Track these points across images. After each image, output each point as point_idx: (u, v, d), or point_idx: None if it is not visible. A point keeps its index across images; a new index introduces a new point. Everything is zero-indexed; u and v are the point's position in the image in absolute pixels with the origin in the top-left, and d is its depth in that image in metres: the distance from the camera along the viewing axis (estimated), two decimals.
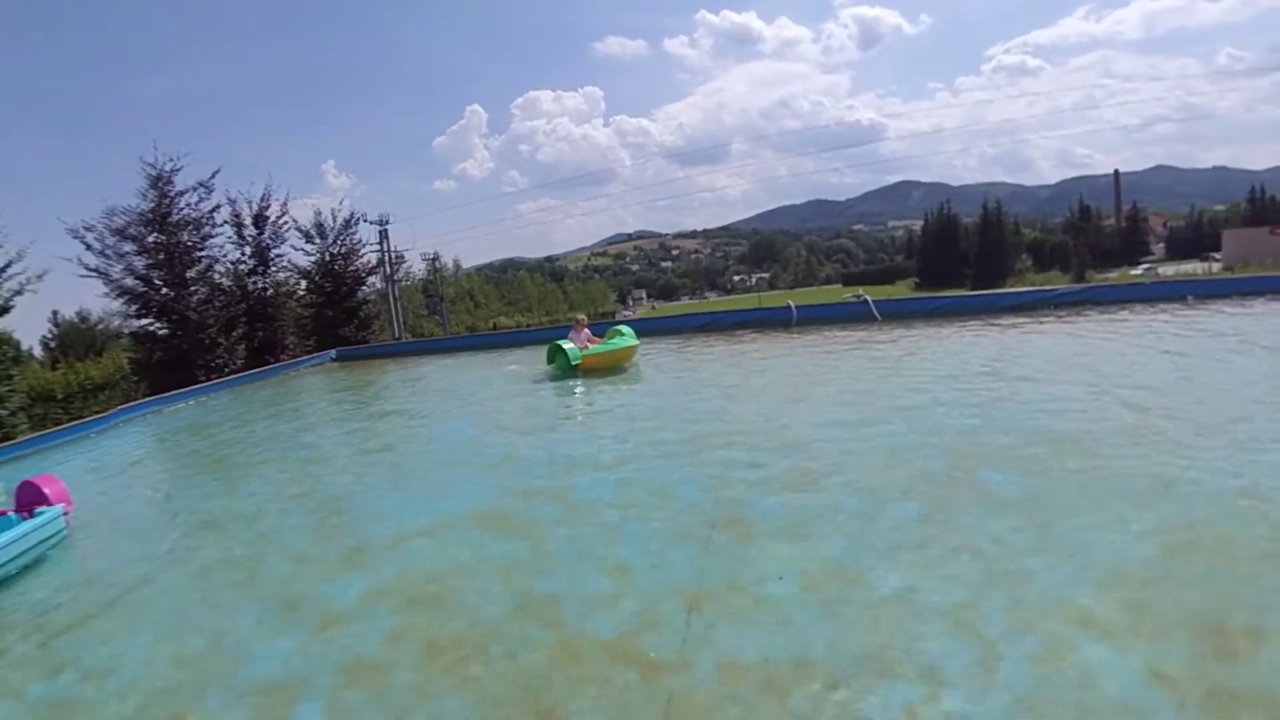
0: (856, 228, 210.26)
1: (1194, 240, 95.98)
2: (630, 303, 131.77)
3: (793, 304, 14.64)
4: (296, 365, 16.83)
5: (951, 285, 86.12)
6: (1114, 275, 73.22)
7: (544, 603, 3.59)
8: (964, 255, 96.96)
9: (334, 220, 24.56)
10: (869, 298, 14.45)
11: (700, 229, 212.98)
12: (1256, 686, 2.66)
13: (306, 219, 24.60)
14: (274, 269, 22.55)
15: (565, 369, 10.78)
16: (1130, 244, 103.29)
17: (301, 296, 24.32)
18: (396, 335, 36.91)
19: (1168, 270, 73.78)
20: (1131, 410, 6.04)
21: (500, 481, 5.73)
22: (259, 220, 22.06)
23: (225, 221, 21.46)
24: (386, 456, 7.26)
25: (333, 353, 18.21)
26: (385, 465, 6.88)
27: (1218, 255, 72.37)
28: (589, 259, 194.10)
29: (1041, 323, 11.37)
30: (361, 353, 18.86)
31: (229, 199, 21.70)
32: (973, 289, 78.02)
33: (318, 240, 24.23)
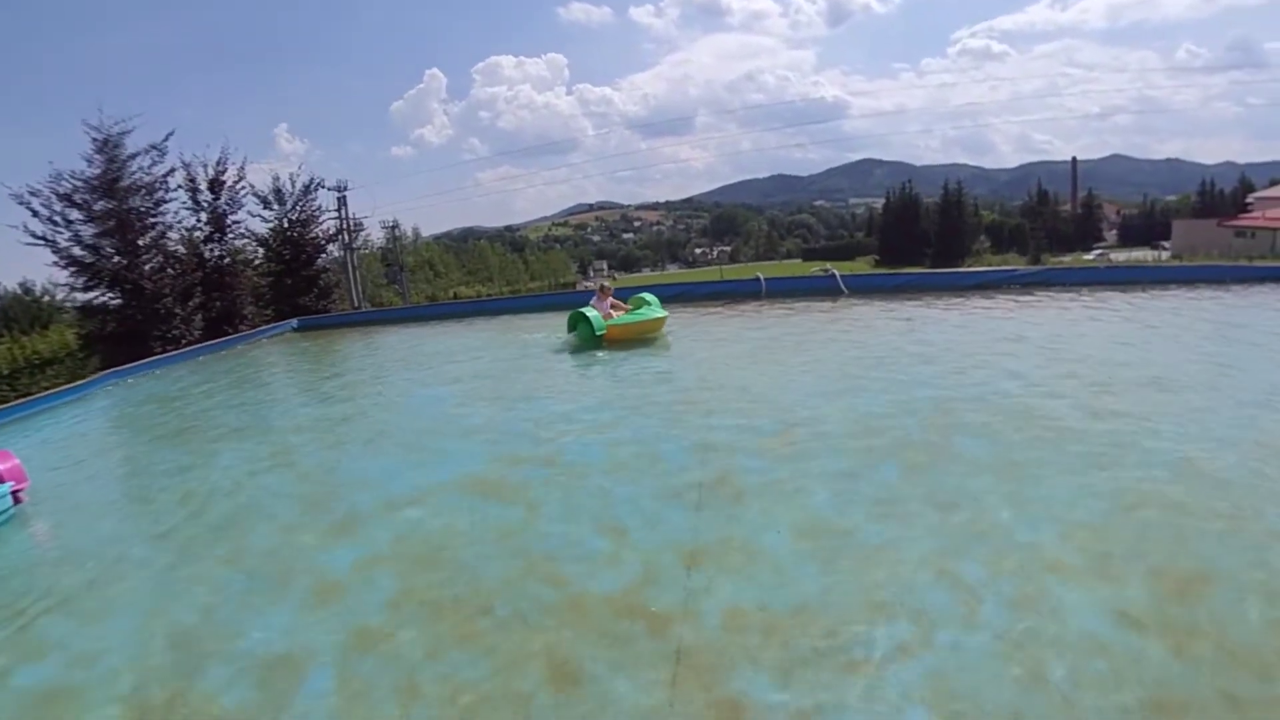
0: (818, 203, 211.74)
1: (1146, 228, 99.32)
2: (591, 274, 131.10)
3: (762, 276, 14.85)
4: (257, 335, 16.52)
5: (911, 263, 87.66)
6: (1068, 259, 75.48)
7: (545, 563, 3.69)
8: (924, 234, 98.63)
9: (292, 186, 23.99)
10: (836, 272, 14.76)
11: (662, 201, 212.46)
12: (1206, 622, 2.97)
13: (264, 184, 23.96)
14: (231, 236, 21.89)
15: (588, 340, 10.07)
16: (1085, 229, 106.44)
17: (259, 265, 23.78)
18: (356, 304, 36.32)
19: (1119, 256, 76.38)
20: (1090, 382, 6.41)
21: (483, 448, 5.79)
22: (215, 185, 21.29)
23: (179, 187, 20.69)
24: (362, 425, 7.22)
25: (294, 322, 17.91)
26: (363, 434, 6.85)
27: (1167, 244, 74.99)
28: (550, 229, 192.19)
29: (1001, 301, 11.79)
30: (323, 322, 18.56)
31: (183, 163, 20.89)
32: (932, 268, 79.63)
33: (276, 207, 23.64)
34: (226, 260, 21.63)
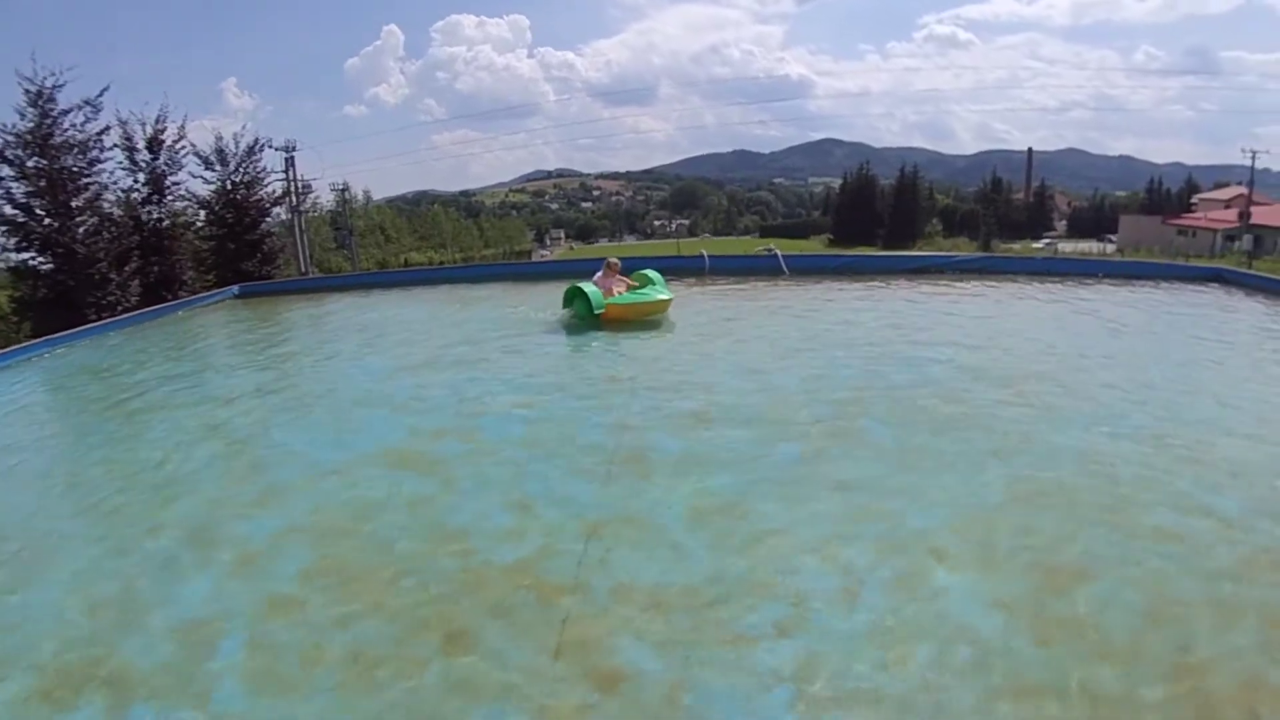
0: (777, 181, 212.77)
1: (1095, 221, 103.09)
2: (548, 242, 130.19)
3: (705, 253, 15.01)
4: (195, 303, 16.18)
5: (864, 244, 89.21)
6: (1017, 246, 77.91)
7: (454, 536, 3.92)
8: (878, 216, 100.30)
9: (236, 146, 23.35)
10: (778, 251, 15.01)
11: (623, 171, 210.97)
12: (1075, 616, 3.16)
13: (207, 144, 23.24)
14: (170, 198, 21.22)
15: (585, 317, 9.46)
16: (1036, 219, 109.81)
17: (200, 228, 23.17)
18: (303, 270, 35.65)
19: (1066, 247, 79.04)
20: (1005, 372, 6.79)
21: (408, 421, 5.98)
22: (153, 144, 20.57)
23: (116, 145, 19.92)
24: (294, 396, 7.33)
25: (235, 289, 17.59)
26: (294, 405, 6.96)
27: (1114, 237, 77.88)
28: (507, 195, 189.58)
29: (940, 287, 12.25)
30: (266, 289, 18.20)
31: (119, 120, 20.07)
32: (884, 249, 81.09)
33: (218, 168, 22.98)
34: (165, 223, 21.00)
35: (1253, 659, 2.88)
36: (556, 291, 10.43)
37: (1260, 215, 59.28)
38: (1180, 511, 4.10)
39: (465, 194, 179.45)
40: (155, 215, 20.92)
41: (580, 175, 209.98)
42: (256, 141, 23.84)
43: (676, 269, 15.52)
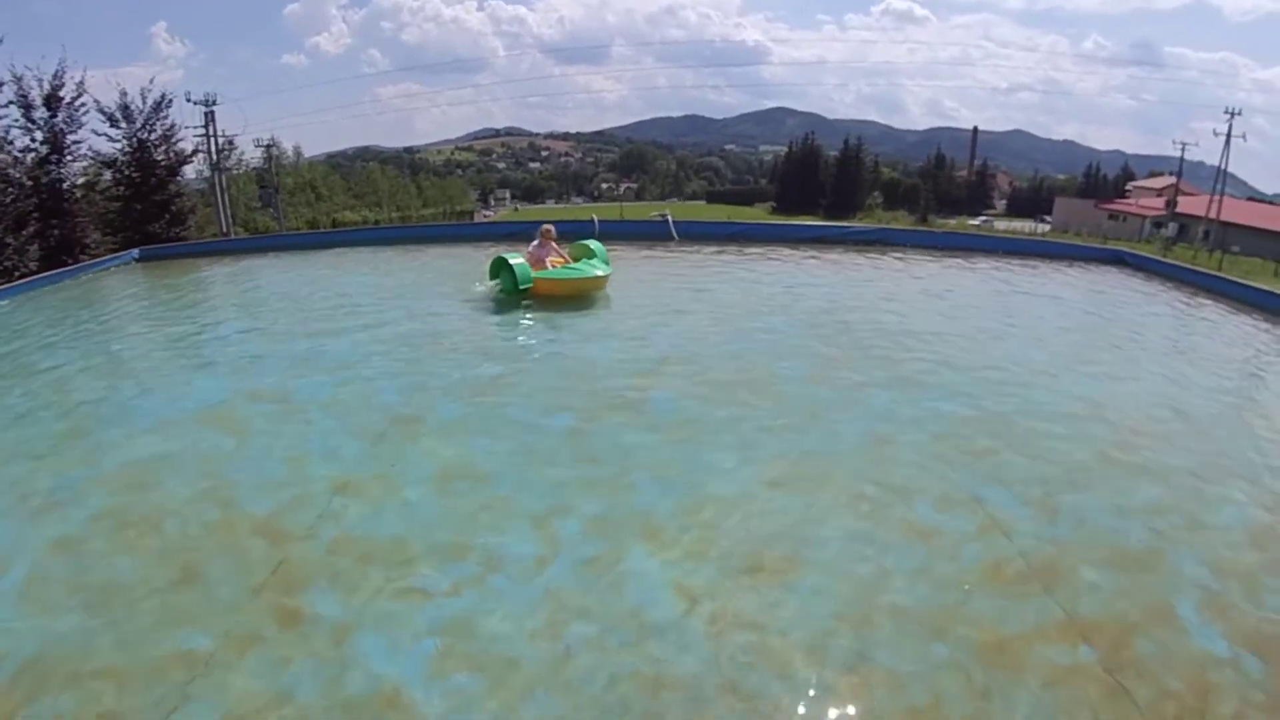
0: (729, 147, 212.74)
1: (1033, 201, 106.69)
2: (493, 203, 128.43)
3: (596, 218, 15.07)
4: (92, 268, 16.02)
5: (806, 213, 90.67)
6: (953, 222, 79.91)
7: (229, 484, 4.45)
8: (821, 186, 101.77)
9: (143, 101, 22.95)
10: (670, 217, 15.18)
11: (573, 131, 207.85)
12: (751, 608, 3.29)
13: (112, 100, 22.68)
14: (70, 157, 20.78)
15: (510, 291, 8.87)
16: (976, 196, 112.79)
17: (107, 188, 22.80)
18: (224, 230, 35.09)
19: (1002, 225, 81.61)
20: (830, 346, 7.09)
21: (236, 383, 6.43)
22: (51, 102, 20.03)
23: (11, 102, 19.50)
24: (146, 363, 7.59)
25: (135, 252, 17.43)
26: (140, 371, 7.26)
27: (1049, 218, 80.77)
28: (453, 153, 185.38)
29: (826, 257, 12.88)
30: (169, 251, 17.99)
31: (13, 75, 19.52)
32: (825, 218, 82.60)
33: (124, 124, 22.63)
34: (66, 184, 20.65)
35: (930, 680, 2.95)
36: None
37: (1186, 204, 62.61)
38: (945, 505, 4.23)
39: (409, 150, 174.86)
40: (55, 175, 20.43)
41: (529, 134, 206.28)
42: (164, 96, 23.42)
43: (568, 235, 15.65)
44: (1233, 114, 55.85)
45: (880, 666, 3.01)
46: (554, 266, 9.38)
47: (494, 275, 9.50)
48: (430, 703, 2.74)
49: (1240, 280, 12.03)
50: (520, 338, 7.58)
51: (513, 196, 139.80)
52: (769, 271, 11.74)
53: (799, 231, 16.30)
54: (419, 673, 2.90)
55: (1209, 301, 10.61)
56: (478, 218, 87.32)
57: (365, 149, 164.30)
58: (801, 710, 2.83)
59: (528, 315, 8.38)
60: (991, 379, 6.55)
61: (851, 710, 2.85)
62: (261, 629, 3.25)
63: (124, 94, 22.54)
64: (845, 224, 19.14)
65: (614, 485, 4.35)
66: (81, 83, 20.67)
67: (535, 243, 9.73)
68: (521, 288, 8.68)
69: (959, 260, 13.24)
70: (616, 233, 14.78)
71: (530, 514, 4.02)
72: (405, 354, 6.95)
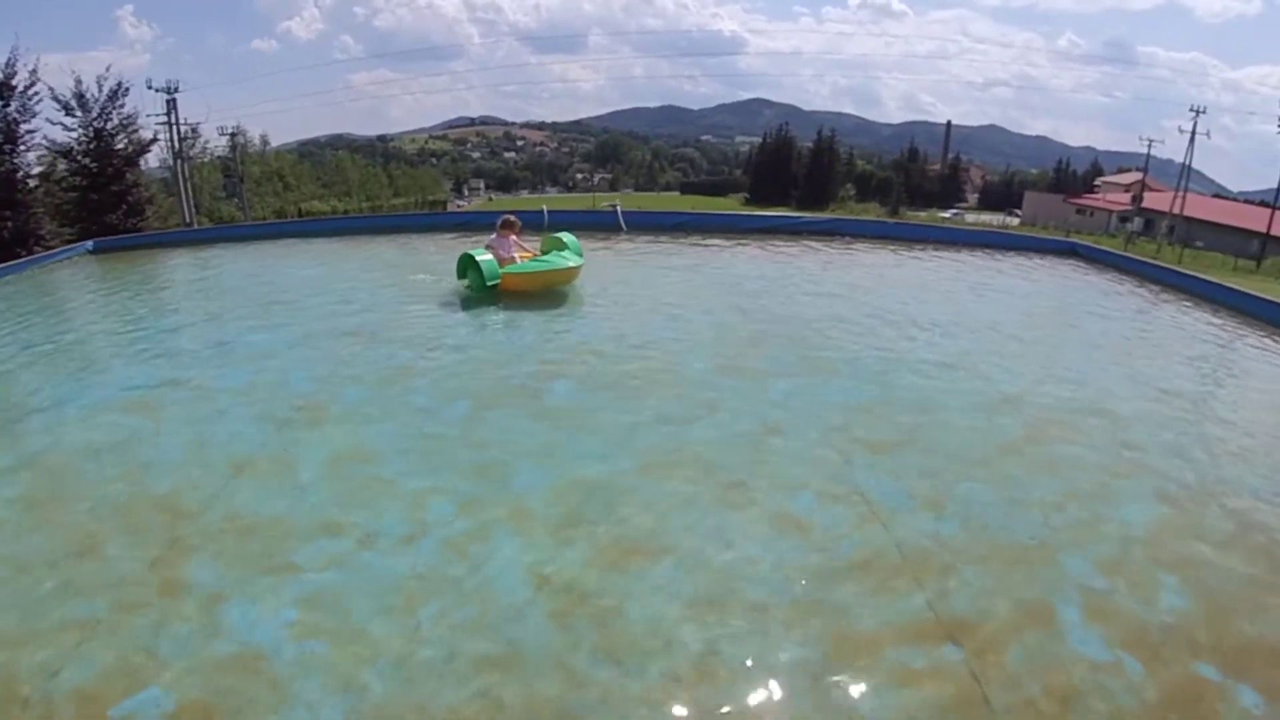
0: (705, 138, 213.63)
1: (1004, 195, 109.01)
2: (466, 193, 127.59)
3: (546, 209, 14.88)
4: (43, 260, 15.67)
5: (779, 204, 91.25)
6: (924, 215, 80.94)
7: (139, 467, 4.67)
8: (794, 177, 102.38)
9: (100, 90, 22.80)
10: (619, 207, 15.24)
11: (549, 121, 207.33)
12: (602, 593, 3.34)
13: (68, 88, 22.45)
14: (24, 147, 20.73)
15: (480, 289, 8.52)
16: (949, 190, 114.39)
17: (63, 179, 22.65)
18: (187, 220, 34.83)
19: (972, 218, 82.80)
20: (748, 336, 7.20)
21: (162, 373, 6.59)
22: (3, 90, 19.93)
23: None
24: (80, 352, 7.72)
25: (88, 244, 17.31)
26: (75, 363, 7.34)
27: (1019, 212, 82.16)
28: (427, 141, 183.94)
29: (767, 248, 12.93)
30: (124, 243, 17.62)
31: None
32: (798, 210, 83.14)
33: (79, 114, 22.50)
34: (20, 174, 20.54)
35: (772, 675, 2.98)
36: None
37: (1152, 200, 64.51)
38: (826, 497, 4.24)
39: (383, 139, 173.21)
40: (9, 166, 20.34)
41: (505, 123, 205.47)
42: (120, 85, 23.34)
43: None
44: (1198, 112, 57.28)
45: (725, 659, 3.02)
46: (521, 260, 9.00)
47: (461, 274, 9.11)
48: (283, 667, 2.97)
49: (1189, 273, 12.27)
50: (441, 327, 7.65)
51: (487, 186, 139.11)
52: (708, 262, 11.89)
53: (749, 222, 16.32)
54: (277, 640, 3.12)
55: (1156, 293, 10.75)
56: (451, 208, 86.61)
57: (339, 137, 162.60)
58: (634, 699, 2.84)
59: (455, 305, 8.49)
60: (910, 368, 6.61)
61: (686, 703, 2.84)
62: (148, 598, 3.48)
63: (79, 82, 22.51)
64: (797, 214, 18.95)
65: (493, 470, 4.49)
66: (34, 70, 20.56)
67: (493, 235, 9.27)
68: (490, 284, 8.38)
69: (910, 251, 13.44)
70: (565, 224, 14.30)
71: (409, 495, 4.21)
72: (325, 345, 7.12)
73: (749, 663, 3.04)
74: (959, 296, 10.13)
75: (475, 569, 3.54)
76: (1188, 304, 10.26)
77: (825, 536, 3.91)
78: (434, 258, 11.72)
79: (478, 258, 8.55)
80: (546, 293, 8.76)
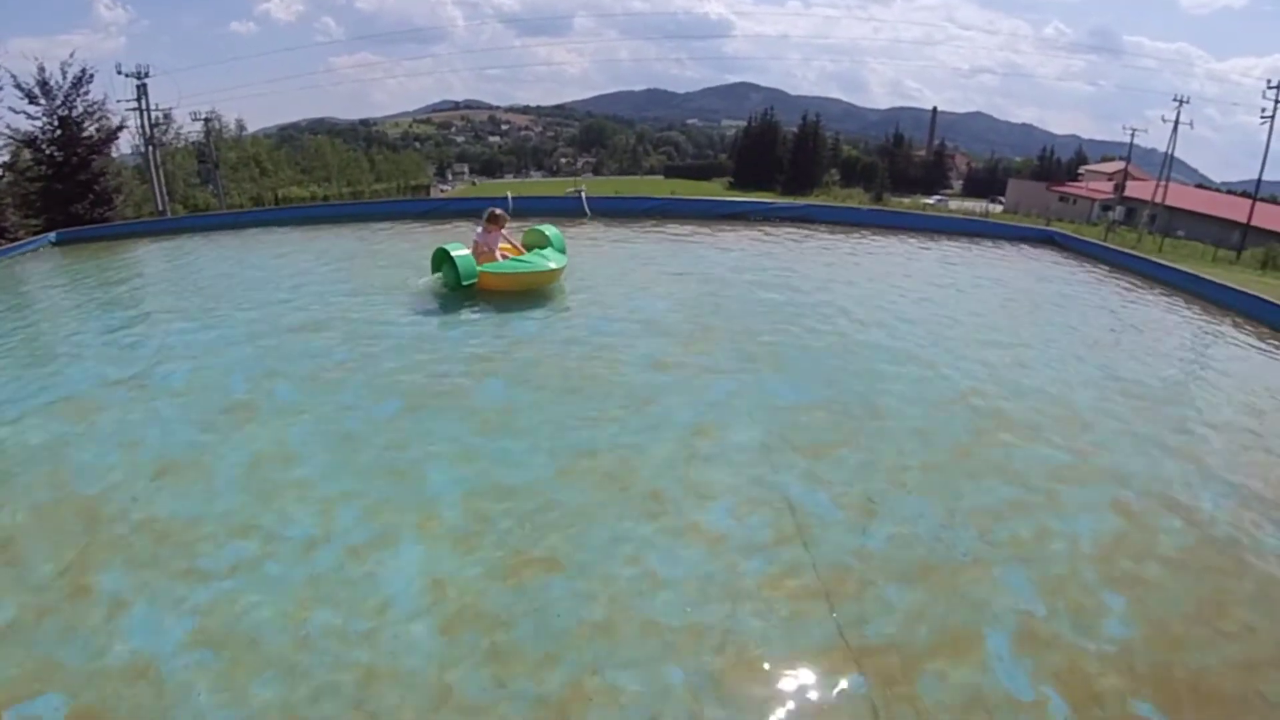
0: (691, 122, 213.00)
1: (988, 183, 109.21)
2: (450, 177, 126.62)
3: (510, 195, 14.50)
4: (3, 254, 15.70)
5: (763, 189, 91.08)
6: (907, 201, 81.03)
7: (67, 470, 4.68)
8: (779, 162, 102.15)
9: (64, 77, 22.47)
10: (584, 192, 15.00)
11: (534, 105, 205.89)
12: (496, 607, 3.33)
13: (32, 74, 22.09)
14: None
15: (455, 287, 8.03)
16: (934, 176, 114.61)
17: (28, 168, 22.34)
18: (160, 208, 34.43)
19: (954, 204, 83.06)
20: (696, 328, 7.10)
21: (102, 371, 6.55)
22: None
23: None
24: (23, 354, 7.58)
25: (51, 236, 17.02)
26: (16, 362, 7.22)
27: (1003, 199, 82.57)
28: (411, 125, 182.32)
29: (738, 234, 12.89)
30: (90, 234, 17.28)
31: None
32: (782, 194, 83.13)
33: (44, 101, 22.17)
34: None
35: (653, 704, 2.89)
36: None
37: (1135, 189, 65.27)
38: (747, 507, 4.12)
39: (366, 123, 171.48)
40: None
41: (489, 107, 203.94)
42: (84, 71, 22.99)
43: (479, 210, 14.57)
44: (1181, 101, 57.52)
45: (608, 683, 2.93)
46: (503, 257, 8.51)
47: (436, 268, 8.57)
48: (173, 676, 3.02)
49: (1165, 263, 12.32)
50: (382, 323, 7.51)
51: (471, 171, 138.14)
52: (669, 250, 11.68)
53: (720, 208, 16.03)
54: (171, 648, 3.16)
55: (1130, 283, 10.68)
56: (434, 193, 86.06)
57: (320, 121, 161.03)
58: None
59: (402, 301, 8.34)
60: (864, 364, 6.45)
61: None
62: (56, 603, 3.52)
63: (42, 69, 22.11)
64: (769, 200, 18.54)
65: (408, 473, 4.48)
66: None
67: (480, 229, 8.76)
68: (465, 284, 7.90)
69: (883, 239, 13.37)
70: (530, 209, 14.26)
71: (321, 498, 4.21)
72: (268, 342, 7.11)
73: (634, 688, 2.92)
74: (925, 287, 9.88)
75: (372, 577, 3.54)
76: (1162, 294, 10.20)
77: (737, 551, 3.74)
78: (387, 245, 11.69)
79: (453, 253, 8.02)
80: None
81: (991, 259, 12.31)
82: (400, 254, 11.22)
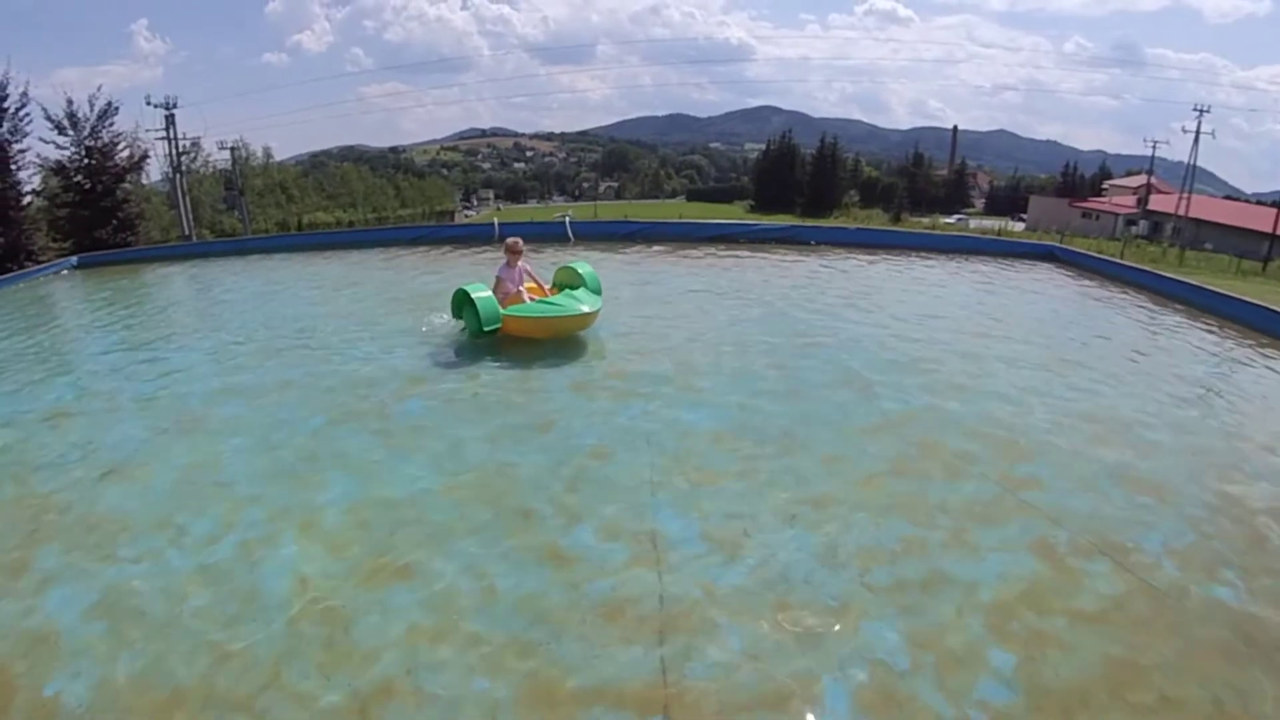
0: (714, 145, 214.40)
1: (1010, 200, 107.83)
2: (475, 202, 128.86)
3: (497, 222, 15.46)
4: (23, 278, 15.70)
5: (783, 211, 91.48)
6: (926, 221, 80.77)
7: (28, 470, 5.17)
8: (798, 184, 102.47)
9: (90, 110, 23.69)
10: (569, 218, 15.58)
11: (558, 131, 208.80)
12: (343, 605, 3.50)
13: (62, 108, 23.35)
14: (15, 166, 21.55)
15: (477, 334, 7.12)
16: (955, 195, 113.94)
17: (57, 195, 23.51)
18: (186, 233, 35.78)
19: (975, 223, 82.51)
20: (629, 351, 7.23)
21: (83, 385, 7.08)
22: None
23: None
24: (20, 369, 7.86)
25: (73, 260, 17.80)
26: (13, 378, 7.52)
27: (1025, 216, 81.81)
28: (439, 152, 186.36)
29: (717, 255, 13.08)
30: (109, 259, 17.71)
31: None
32: (801, 216, 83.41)
33: (71, 133, 23.40)
34: (11, 192, 21.36)
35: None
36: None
37: (1159, 202, 63.83)
38: (609, 533, 4.08)
39: (395, 150, 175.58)
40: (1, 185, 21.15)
41: (515, 134, 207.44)
42: (110, 104, 24.24)
43: (472, 237, 15.42)
44: (1201, 111, 56.85)
45: (417, 684, 3.03)
46: (531, 298, 7.68)
47: (457, 313, 7.81)
48: (72, 641, 3.47)
49: (1167, 275, 11.93)
50: (335, 345, 7.80)
51: (496, 196, 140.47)
52: (644, 275, 11.83)
53: (703, 230, 16.28)
54: (75, 619, 3.63)
55: (1129, 297, 10.38)
56: (459, 218, 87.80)
57: (350, 149, 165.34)
58: (320, 709, 2.94)
59: (360, 326, 8.65)
60: (801, 383, 6.35)
61: None
62: (8, 586, 3.95)
63: (70, 102, 23.33)
64: (752, 222, 18.81)
65: (310, 481, 4.78)
66: (25, 93, 21.41)
67: (503, 263, 7.88)
68: (488, 329, 7.02)
69: (870, 257, 13.31)
70: (518, 234, 14.55)
71: (233, 501, 4.56)
72: (234, 361, 7.64)
73: (439, 692, 2.99)
74: (897, 306, 9.55)
75: (251, 569, 3.87)
76: (1160, 309, 9.76)
77: (585, 575, 3.64)
78: (382, 274, 12.13)
79: (474, 294, 7.10)
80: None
81: (981, 276, 11.98)
82: (396, 283, 11.75)
